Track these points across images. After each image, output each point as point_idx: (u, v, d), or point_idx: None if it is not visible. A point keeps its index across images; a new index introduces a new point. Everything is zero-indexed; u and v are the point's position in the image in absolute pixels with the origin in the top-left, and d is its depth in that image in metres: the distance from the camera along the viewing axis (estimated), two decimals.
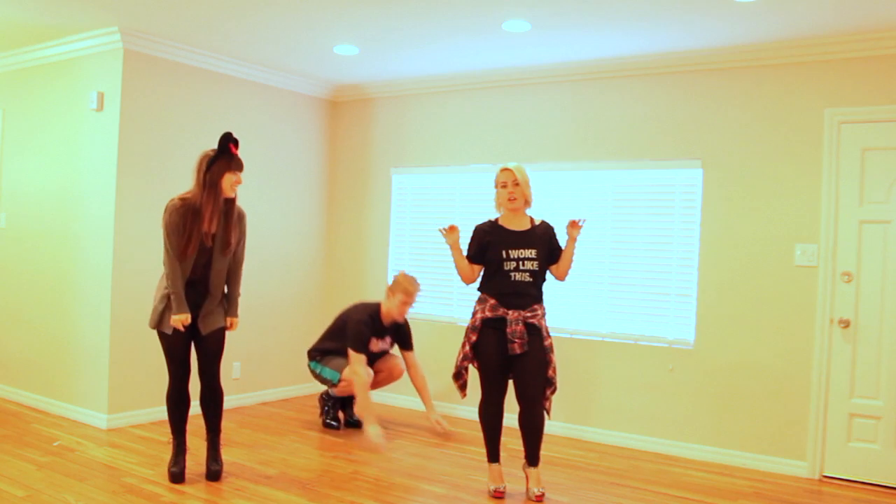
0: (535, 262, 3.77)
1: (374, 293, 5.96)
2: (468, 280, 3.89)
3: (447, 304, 5.62)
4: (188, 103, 5.09)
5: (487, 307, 3.78)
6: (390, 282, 4.92)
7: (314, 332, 6.13)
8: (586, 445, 4.83)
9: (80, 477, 3.77)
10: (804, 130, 4.32)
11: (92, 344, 4.79)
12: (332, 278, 6.23)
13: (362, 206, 6.06)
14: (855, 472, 4.15)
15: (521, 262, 3.76)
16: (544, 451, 4.48)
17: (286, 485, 3.79)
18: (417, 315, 5.70)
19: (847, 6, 3.67)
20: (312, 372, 5.02)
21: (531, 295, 3.78)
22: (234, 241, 3.80)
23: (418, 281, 4.88)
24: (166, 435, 4.02)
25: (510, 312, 3.72)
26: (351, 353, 4.67)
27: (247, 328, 5.45)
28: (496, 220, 3.90)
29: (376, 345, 4.88)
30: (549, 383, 3.80)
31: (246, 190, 5.53)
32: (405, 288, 4.77)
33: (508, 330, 3.69)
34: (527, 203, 3.84)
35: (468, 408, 5.41)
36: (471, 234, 3.91)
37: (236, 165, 3.70)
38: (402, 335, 4.97)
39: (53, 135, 5.08)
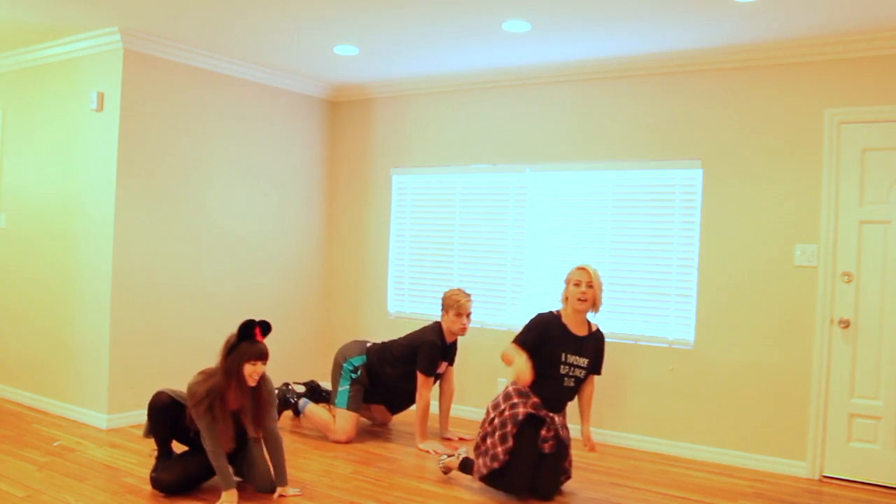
0: (584, 371, 3.88)
1: (374, 294, 5.96)
2: (526, 382, 3.67)
3: None
4: (188, 103, 5.09)
5: (529, 403, 3.77)
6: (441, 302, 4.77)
7: (314, 332, 6.14)
8: None
9: (80, 477, 3.77)
10: (804, 130, 4.32)
11: (92, 344, 4.79)
12: (332, 278, 6.23)
13: (362, 206, 6.06)
14: (855, 472, 4.15)
15: (573, 369, 3.83)
16: None
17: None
18: (418, 315, 5.70)
19: (847, 6, 3.67)
20: (337, 374, 4.80)
21: (569, 400, 3.91)
22: (267, 423, 3.63)
23: (465, 290, 4.75)
24: (148, 445, 3.94)
25: (552, 416, 3.80)
26: (421, 377, 4.61)
27: None
28: (559, 315, 3.87)
29: (441, 367, 4.80)
30: (565, 472, 3.89)
31: (246, 190, 5.55)
32: (454, 300, 4.65)
33: (545, 433, 3.76)
34: (595, 308, 3.87)
35: (471, 409, 5.41)
36: (533, 321, 3.84)
37: (256, 354, 3.52)
38: (452, 352, 4.87)
39: (53, 135, 5.08)
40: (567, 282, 3.89)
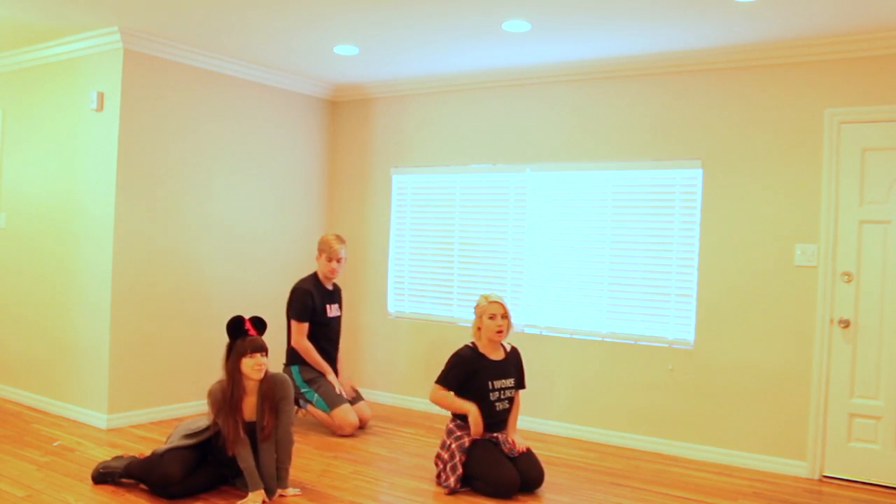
0: (513, 391, 4.06)
1: (374, 294, 5.96)
2: (480, 431, 3.88)
3: (447, 304, 5.62)
4: (188, 103, 5.09)
5: (473, 432, 3.89)
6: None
7: None
8: (586, 445, 4.83)
9: (80, 477, 3.77)
10: (804, 130, 4.32)
11: (92, 344, 4.79)
12: None
13: (362, 206, 6.06)
14: (855, 472, 4.15)
15: (502, 392, 3.98)
16: (544, 451, 4.49)
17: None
18: (418, 316, 5.71)
19: (847, 6, 3.67)
20: (299, 396, 4.88)
21: (506, 418, 4.05)
22: (269, 424, 3.58)
23: (341, 236, 5.01)
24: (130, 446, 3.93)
25: (495, 435, 3.93)
26: (294, 323, 4.83)
27: None
28: (475, 346, 4.01)
29: (331, 310, 5.00)
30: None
31: (246, 190, 5.55)
32: (327, 245, 4.89)
33: (506, 448, 3.90)
34: (507, 335, 4.03)
35: None
36: (452, 360, 3.97)
37: (252, 347, 3.54)
38: (337, 295, 5.12)
39: (53, 135, 5.08)
40: (480, 314, 3.99)
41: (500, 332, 3.94)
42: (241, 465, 3.51)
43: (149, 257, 4.89)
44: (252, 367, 3.52)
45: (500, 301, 3.98)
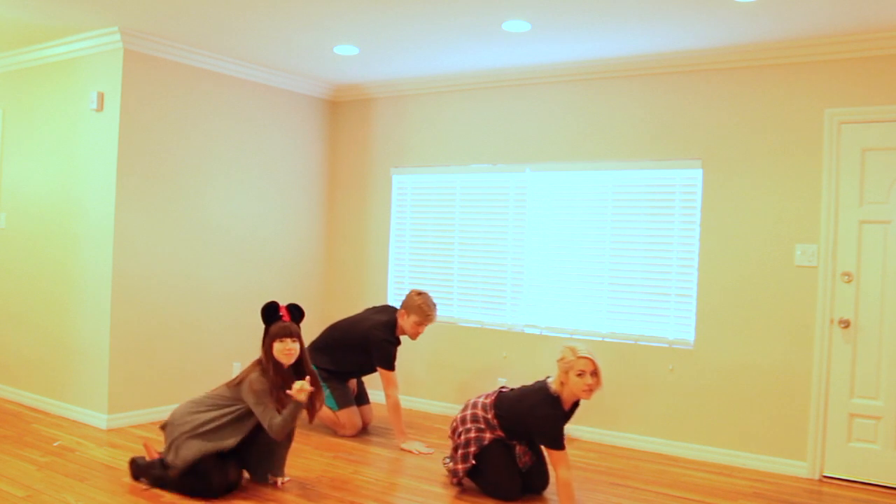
0: None
1: (373, 293, 5.96)
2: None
3: (447, 305, 5.61)
4: (188, 103, 5.09)
5: (496, 433, 3.81)
6: (405, 298, 4.77)
7: (313, 333, 6.13)
8: (586, 445, 4.83)
9: (80, 477, 3.77)
10: (804, 130, 4.32)
11: (92, 344, 4.79)
12: (332, 279, 6.23)
13: (362, 206, 6.06)
14: (855, 472, 4.15)
15: None
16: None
17: (286, 485, 3.79)
18: None
19: (847, 6, 3.68)
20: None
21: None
22: (318, 406, 3.77)
23: (434, 302, 4.73)
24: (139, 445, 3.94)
25: (516, 444, 3.84)
26: (385, 372, 4.64)
27: (246, 328, 5.45)
28: (558, 396, 3.64)
29: None
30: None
31: (246, 190, 5.55)
32: (423, 311, 4.66)
33: (519, 451, 3.85)
34: None
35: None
36: (554, 415, 3.62)
37: (282, 332, 3.62)
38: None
39: (53, 135, 5.08)
40: (566, 370, 3.59)
41: (588, 390, 3.56)
42: (286, 420, 3.50)
43: (149, 257, 4.89)
44: (282, 351, 3.61)
45: (591, 357, 3.57)
